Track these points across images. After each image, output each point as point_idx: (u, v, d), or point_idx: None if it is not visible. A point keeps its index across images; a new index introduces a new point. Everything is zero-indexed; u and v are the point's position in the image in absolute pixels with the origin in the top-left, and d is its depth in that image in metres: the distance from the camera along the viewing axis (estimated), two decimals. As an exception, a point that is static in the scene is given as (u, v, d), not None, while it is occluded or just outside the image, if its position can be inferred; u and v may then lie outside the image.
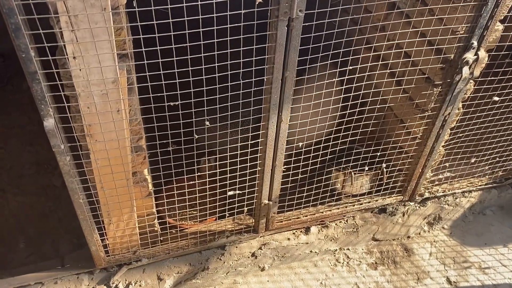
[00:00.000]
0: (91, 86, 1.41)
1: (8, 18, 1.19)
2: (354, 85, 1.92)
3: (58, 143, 1.50)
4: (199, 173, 1.97)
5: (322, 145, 2.07)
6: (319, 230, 2.37)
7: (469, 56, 1.83)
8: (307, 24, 1.55)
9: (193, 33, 1.35)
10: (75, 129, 1.57)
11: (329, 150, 2.09)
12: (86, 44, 1.32)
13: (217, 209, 2.20)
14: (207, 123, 1.70)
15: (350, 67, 1.79)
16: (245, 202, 2.10)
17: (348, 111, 2.05)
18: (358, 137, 2.08)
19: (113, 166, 1.67)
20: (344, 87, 1.87)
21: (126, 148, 1.65)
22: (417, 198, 2.46)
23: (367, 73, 1.93)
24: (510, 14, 1.81)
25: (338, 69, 1.80)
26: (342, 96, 1.94)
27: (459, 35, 1.82)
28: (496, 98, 2.12)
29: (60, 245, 2.43)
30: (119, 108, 1.51)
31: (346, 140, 2.06)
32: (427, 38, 1.93)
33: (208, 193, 1.97)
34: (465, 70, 1.85)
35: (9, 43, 1.25)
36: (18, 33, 1.22)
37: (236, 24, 1.42)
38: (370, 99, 1.99)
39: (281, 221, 2.29)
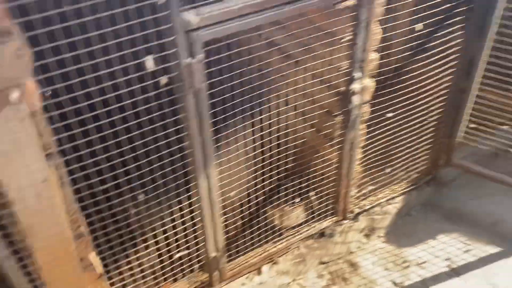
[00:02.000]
0: (23, 190, 1.48)
1: None
2: (270, 129, 2.14)
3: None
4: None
5: (254, 188, 2.25)
6: (270, 268, 2.51)
7: (355, 86, 2.13)
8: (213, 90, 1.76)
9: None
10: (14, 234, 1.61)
11: (262, 191, 2.27)
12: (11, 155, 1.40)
13: (171, 273, 2.26)
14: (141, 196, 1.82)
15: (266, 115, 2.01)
16: (195, 260, 2.20)
17: (270, 153, 2.25)
18: (285, 173, 2.29)
19: (58, 260, 1.71)
20: (262, 133, 2.08)
21: (69, 239, 1.71)
22: (349, 215, 2.70)
23: (278, 117, 2.16)
24: (381, 45, 2.14)
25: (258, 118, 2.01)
26: (264, 141, 2.14)
27: (343, 71, 2.12)
28: (389, 114, 2.44)
29: None
30: (54, 204, 1.58)
31: (275, 178, 2.25)
32: (321, 78, 2.21)
33: (159, 259, 2.06)
34: (355, 99, 2.14)
35: None
36: None
37: (148, 105, 1.59)
38: (288, 138, 2.22)
39: (233, 269, 2.40)
